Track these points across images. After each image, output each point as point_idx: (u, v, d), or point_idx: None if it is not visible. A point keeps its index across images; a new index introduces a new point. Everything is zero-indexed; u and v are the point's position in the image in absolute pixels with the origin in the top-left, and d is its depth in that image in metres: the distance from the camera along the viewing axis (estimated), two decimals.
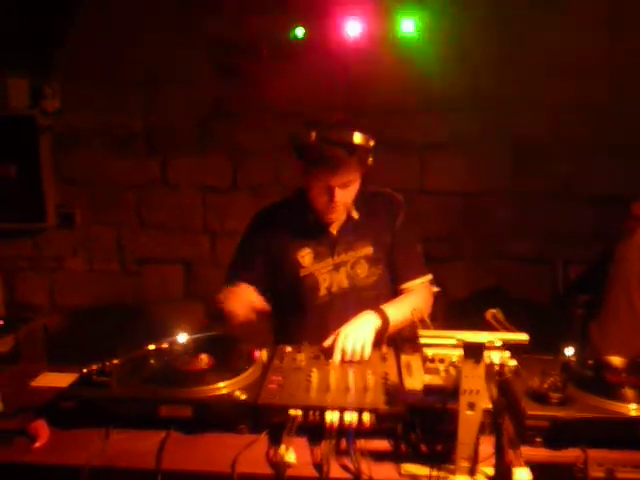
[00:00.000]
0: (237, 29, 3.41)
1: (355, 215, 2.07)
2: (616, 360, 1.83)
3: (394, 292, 2.15)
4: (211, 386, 1.58)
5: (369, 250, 2.08)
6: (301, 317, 2.07)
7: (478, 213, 3.61)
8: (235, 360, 1.73)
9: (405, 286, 2.14)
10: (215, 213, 3.67)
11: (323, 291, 2.08)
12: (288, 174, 3.60)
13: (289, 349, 1.85)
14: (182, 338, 1.80)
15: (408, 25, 3.18)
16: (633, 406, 1.51)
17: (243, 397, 1.54)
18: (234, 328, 1.89)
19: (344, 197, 1.97)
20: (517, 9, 3.37)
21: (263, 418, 1.52)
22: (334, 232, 2.08)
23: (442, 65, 3.37)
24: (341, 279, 2.07)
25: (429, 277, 2.18)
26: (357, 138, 1.88)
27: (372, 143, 1.92)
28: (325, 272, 2.07)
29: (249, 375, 1.66)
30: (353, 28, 3.08)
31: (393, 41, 3.25)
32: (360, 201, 2.07)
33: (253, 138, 3.57)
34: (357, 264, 2.07)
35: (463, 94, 3.46)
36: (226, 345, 1.83)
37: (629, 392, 1.57)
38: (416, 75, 3.46)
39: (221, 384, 1.59)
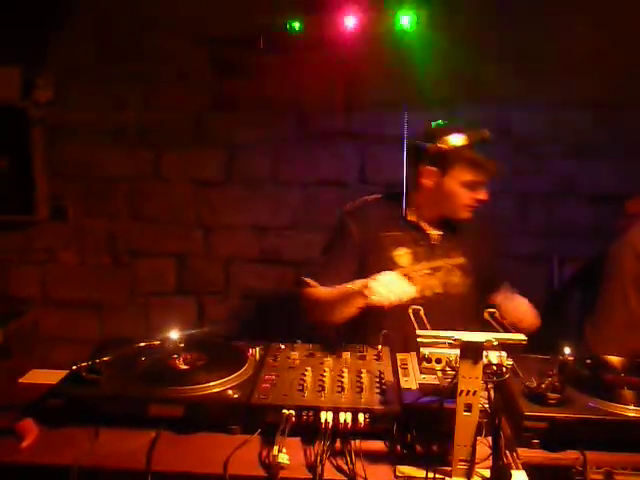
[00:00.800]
0: (234, 23, 3.37)
1: (453, 225, 2.13)
2: (614, 359, 1.81)
3: (478, 303, 2.17)
4: (203, 385, 1.55)
5: (462, 260, 2.12)
6: (385, 318, 1.95)
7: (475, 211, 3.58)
8: (228, 358, 1.70)
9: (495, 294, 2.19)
10: (209, 207, 3.63)
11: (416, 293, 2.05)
12: (285, 167, 3.58)
13: (283, 347, 1.83)
14: (174, 335, 1.76)
15: (405, 20, 3.14)
16: (632, 407, 1.49)
17: (235, 396, 1.52)
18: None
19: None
20: (517, 4, 3.33)
21: (256, 418, 1.49)
22: (433, 237, 2.11)
23: (441, 60, 3.35)
24: (435, 284, 2.08)
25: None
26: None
27: None
28: (421, 274, 2.06)
29: (242, 374, 1.63)
30: (350, 22, 3.03)
31: (390, 36, 3.21)
32: None
33: (249, 131, 3.53)
34: (452, 272, 2.10)
35: (462, 90, 3.43)
36: (218, 343, 1.80)
37: (628, 393, 1.56)
38: (414, 70, 3.43)
39: (213, 383, 1.56)
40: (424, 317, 1.52)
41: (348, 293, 1.89)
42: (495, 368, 1.33)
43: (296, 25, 3.05)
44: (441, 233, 2.11)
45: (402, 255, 2.06)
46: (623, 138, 3.42)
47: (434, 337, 1.34)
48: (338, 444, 1.45)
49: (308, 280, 2.08)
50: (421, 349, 1.35)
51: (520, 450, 1.47)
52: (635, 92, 3.32)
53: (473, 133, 1.99)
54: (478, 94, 3.44)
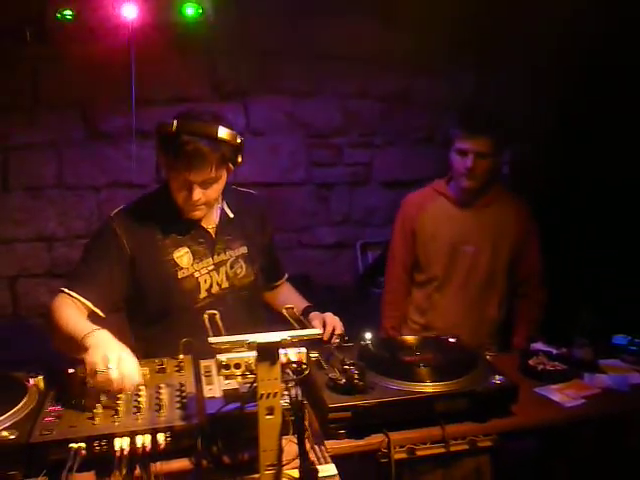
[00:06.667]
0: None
1: (230, 214, 1.99)
2: (409, 339, 1.88)
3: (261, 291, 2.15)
4: None
5: (245, 250, 2.00)
6: (175, 323, 1.87)
7: (278, 204, 3.59)
8: (2, 392, 1.48)
9: (279, 283, 2.21)
10: None
11: (204, 293, 1.92)
12: (72, 170, 3.29)
13: (71, 371, 1.63)
14: None
15: (190, 10, 3.01)
16: (428, 383, 1.56)
17: (12, 437, 1.32)
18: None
19: (205, 195, 1.81)
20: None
21: (39, 458, 1.31)
22: (211, 231, 1.95)
23: (231, 52, 3.30)
24: (221, 279, 1.95)
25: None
26: (222, 132, 1.72)
27: (239, 140, 1.78)
28: (205, 273, 1.92)
29: (20, 409, 1.43)
30: (130, 12, 2.83)
31: (176, 27, 3.07)
32: (232, 200, 2.00)
33: (25, 132, 3.18)
34: (236, 263, 1.98)
35: (254, 82, 3.41)
36: None
37: (423, 371, 1.62)
38: (204, 62, 3.34)
39: None
40: (219, 322, 1.44)
41: (75, 336, 1.60)
42: (295, 366, 1.30)
43: (68, 14, 2.77)
44: (217, 227, 1.96)
45: (182, 255, 1.89)
46: (407, 129, 3.66)
47: (229, 343, 1.27)
48: (138, 471, 1.32)
49: (67, 291, 1.77)
50: (217, 356, 1.28)
51: (328, 443, 1.46)
52: (418, 87, 3.54)
53: (193, 120, 1.74)
54: (272, 87, 3.44)
